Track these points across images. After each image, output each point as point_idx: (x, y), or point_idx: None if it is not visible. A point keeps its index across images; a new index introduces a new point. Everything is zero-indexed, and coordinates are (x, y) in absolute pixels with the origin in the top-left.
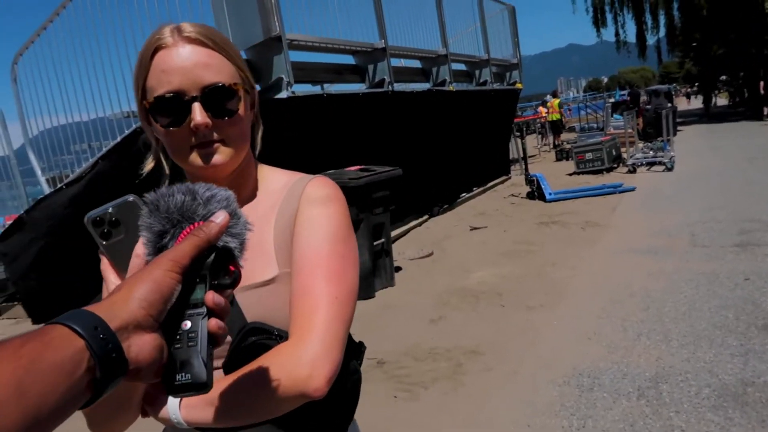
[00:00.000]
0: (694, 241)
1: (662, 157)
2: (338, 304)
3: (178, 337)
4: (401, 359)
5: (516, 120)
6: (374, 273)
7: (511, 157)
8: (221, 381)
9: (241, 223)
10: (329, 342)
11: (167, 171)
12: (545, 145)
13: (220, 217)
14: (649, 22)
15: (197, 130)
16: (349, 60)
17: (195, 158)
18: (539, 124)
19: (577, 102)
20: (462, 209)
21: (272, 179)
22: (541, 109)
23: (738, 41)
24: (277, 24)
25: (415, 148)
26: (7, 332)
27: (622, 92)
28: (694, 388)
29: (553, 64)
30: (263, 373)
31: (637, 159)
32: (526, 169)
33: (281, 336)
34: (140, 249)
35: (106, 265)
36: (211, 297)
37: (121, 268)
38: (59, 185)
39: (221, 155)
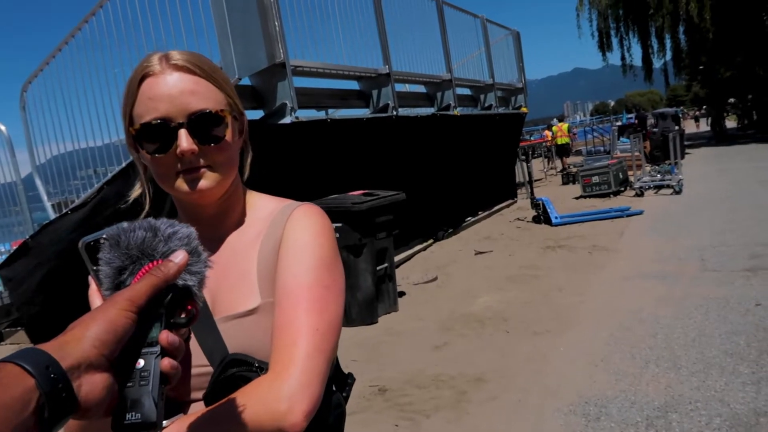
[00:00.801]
0: (704, 265)
1: (670, 180)
2: (319, 336)
3: (130, 375)
4: (404, 387)
5: (521, 144)
6: (377, 298)
7: (517, 180)
8: (199, 413)
9: (202, 261)
10: (308, 376)
11: (148, 200)
12: (551, 168)
13: (179, 257)
14: (655, 45)
15: (183, 156)
16: (353, 85)
17: (181, 184)
18: (545, 148)
19: (584, 125)
20: (467, 233)
21: (259, 206)
22: (547, 133)
23: (745, 63)
24: (281, 50)
25: (420, 173)
26: None
27: (629, 115)
28: (705, 417)
29: (560, 88)
30: (241, 406)
31: (645, 182)
32: (532, 192)
33: (262, 368)
34: (95, 285)
35: (93, 291)
36: (165, 336)
37: None
38: (64, 210)
39: (207, 181)
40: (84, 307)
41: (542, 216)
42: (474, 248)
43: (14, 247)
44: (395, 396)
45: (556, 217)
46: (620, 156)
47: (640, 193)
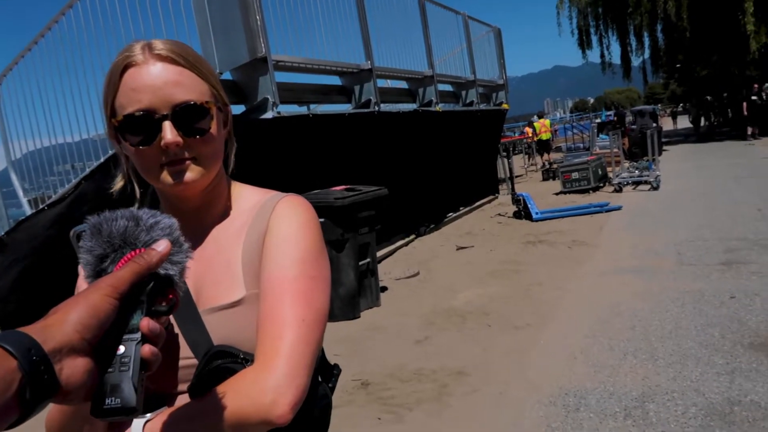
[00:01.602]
0: (681, 260)
1: (648, 176)
2: (305, 327)
3: (111, 361)
4: (386, 380)
5: (503, 140)
6: (360, 293)
7: (498, 176)
8: (185, 406)
9: (183, 251)
10: (294, 367)
11: (137, 192)
12: (532, 165)
13: (162, 246)
14: (634, 43)
15: (168, 149)
16: (335, 81)
17: (165, 176)
18: (526, 144)
19: (564, 122)
20: (448, 229)
21: (244, 197)
22: (527, 129)
23: (721, 62)
24: (263, 45)
25: (402, 168)
26: None
27: (608, 113)
28: (681, 407)
29: (540, 85)
30: (226, 398)
31: (623, 178)
32: (513, 188)
33: (247, 359)
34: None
35: (83, 280)
36: (146, 323)
37: None
38: (41, 206)
39: (192, 173)
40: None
41: (523, 211)
42: (455, 243)
43: None
44: (378, 390)
45: (536, 213)
46: (599, 152)
47: (618, 189)
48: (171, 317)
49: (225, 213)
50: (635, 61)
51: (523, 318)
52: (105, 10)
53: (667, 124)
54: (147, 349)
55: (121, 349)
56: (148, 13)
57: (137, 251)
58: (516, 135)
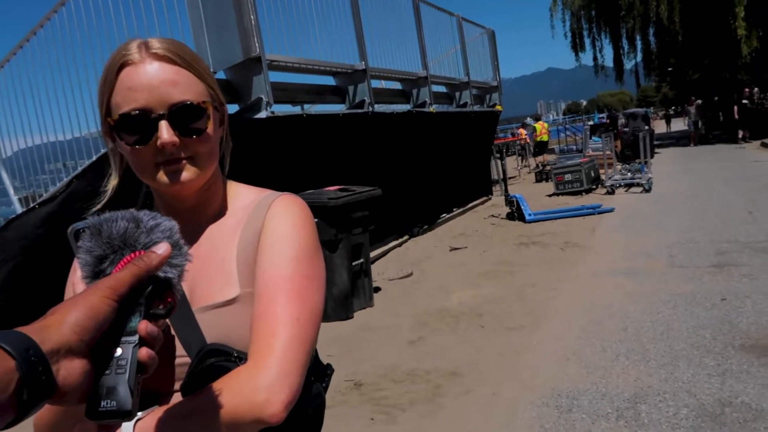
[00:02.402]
0: (672, 262)
1: (640, 178)
2: (299, 326)
3: (108, 363)
4: (379, 381)
5: (496, 141)
6: (353, 293)
7: (491, 178)
8: (177, 404)
9: (182, 254)
10: (288, 366)
11: (115, 189)
12: (525, 166)
13: (162, 248)
14: (626, 47)
15: (164, 149)
16: (329, 81)
17: (162, 176)
18: (519, 146)
19: (557, 124)
20: (442, 230)
21: (240, 196)
22: (521, 130)
23: (712, 66)
24: (257, 44)
25: (396, 169)
26: None
27: (601, 115)
28: (673, 408)
29: (533, 87)
30: (220, 397)
31: (616, 180)
32: (506, 189)
33: (240, 358)
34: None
35: (78, 277)
36: (144, 326)
37: None
38: (32, 205)
39: (188, 173)
40: (52, 303)
41: (516, 213)
42: (449, 244)
43: None
44: (371, 390)
45: (529, 214)
46: (592, 155)
47: (611, 191)
48: None
49: (220, 212)
50: (628, 64)
51: (516, 319)
52: (98, 8)
53: (660, 127)
54: (144, 352)
55: (118, 351)
56: (142, 12)
57: (137, 253)
58: (509, 136)
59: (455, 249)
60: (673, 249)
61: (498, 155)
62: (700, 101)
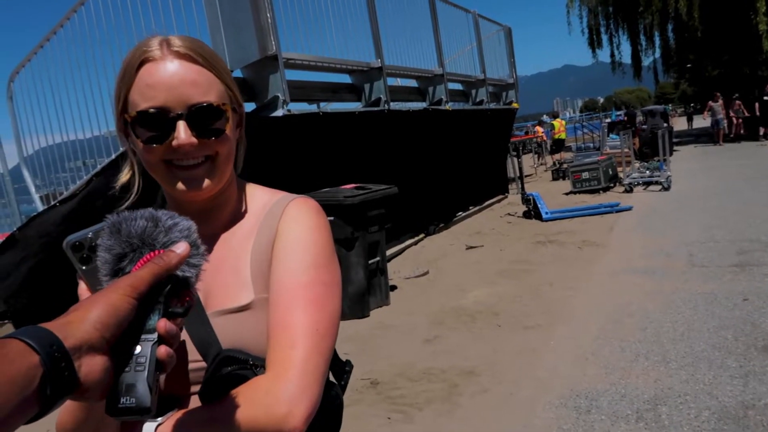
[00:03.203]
0: (692, 261)
1: (659, 176)
2: (318, 337)
3: (128, 360)
4: (395, 380)
5: (512, 139)
6: (369, 292)
7: (508, 176)
8: (198, 411)
9: (200, 254)
10: (308, 378)
11: (138, 187)
12: (541, 164)
13: (182, 248)
14: (644, 43)
15: (180, 149)
16: (345, 79)
17: (179, 184)
18: (535, 144)
19: (574, 122)
20: (458, 228)
21: (254, 198)
22: (538, 128)
23: (732, 62)
24: (273, 43)
25: (412, 167)
26: None
27: (618, 112)
28: (694, 410)
29: (549, 85)
30: (240, 408)
31: (634, 178)
32: (523, 188)
33: (257, 365)
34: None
35: (83, 290)
36: (164, 324)
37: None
38: (52, 202)
39: (206, 181)
40: (71, 300)
41: (533, 211)
42: (465, 243)
43: (1, 240)
44: (387, 389)
45: (546, 213)
46: (610, 152)
47: (629, 189)
48: None
49: (234, 215)
50: (646, 61)
51: (533, 318)
52: (116, 7)
53: (680, 124)
54: (163, 350)
55: (138, 349)
56: (159, 10)
57: (156, 252)
58: (524, 134)
59: (471, 247)
60: (693, 248)
61: (514, 153)
62: (736, 96)
